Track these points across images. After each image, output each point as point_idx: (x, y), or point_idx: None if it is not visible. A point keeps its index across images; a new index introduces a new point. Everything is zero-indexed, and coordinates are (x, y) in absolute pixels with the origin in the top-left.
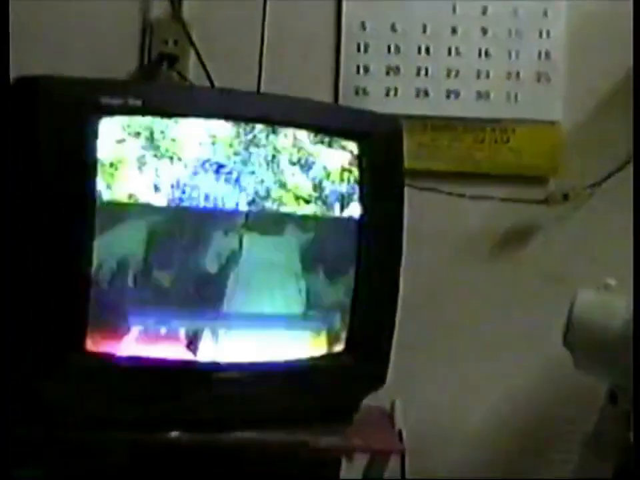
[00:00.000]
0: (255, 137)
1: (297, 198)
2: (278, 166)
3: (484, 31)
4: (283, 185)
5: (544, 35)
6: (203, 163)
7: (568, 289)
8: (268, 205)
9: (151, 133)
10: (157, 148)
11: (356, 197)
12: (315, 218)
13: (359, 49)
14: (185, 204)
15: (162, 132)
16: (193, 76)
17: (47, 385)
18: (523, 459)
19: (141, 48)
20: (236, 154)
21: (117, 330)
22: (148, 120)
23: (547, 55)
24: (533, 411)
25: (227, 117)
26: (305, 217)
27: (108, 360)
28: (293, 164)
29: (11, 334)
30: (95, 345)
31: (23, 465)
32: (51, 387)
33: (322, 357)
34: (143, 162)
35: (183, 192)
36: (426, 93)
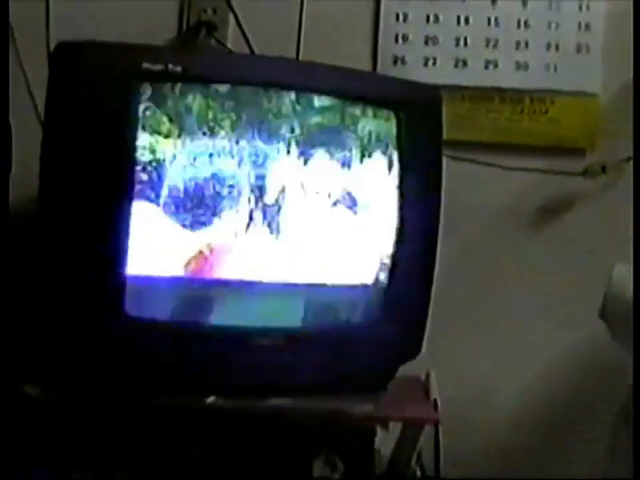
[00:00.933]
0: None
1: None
2: (320, 134)
3: (523, 2)
4: (325, 154)
5: (584, 6)
6: (244, 132)
7: (604, 261)
8: None
9: (193, 99)
10: (198, 114)
11: (395, 166)
12: None
13: (397, 18)
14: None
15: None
16: (231, 44)
17: (85, 352)
18: (556, 432)
19: (179, 16)
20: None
21: (155, 295)
22: (189, 87)
23: (587, 26)
24: (568, 384)
25: (266, 84)
26: None
27: (146, 325)
28: (336, 131)
29: (47, 302)
30: (134, 309)
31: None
32: (89, 354)
33: (358, 326)
34: (183, 128)
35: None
36: (464, 63)
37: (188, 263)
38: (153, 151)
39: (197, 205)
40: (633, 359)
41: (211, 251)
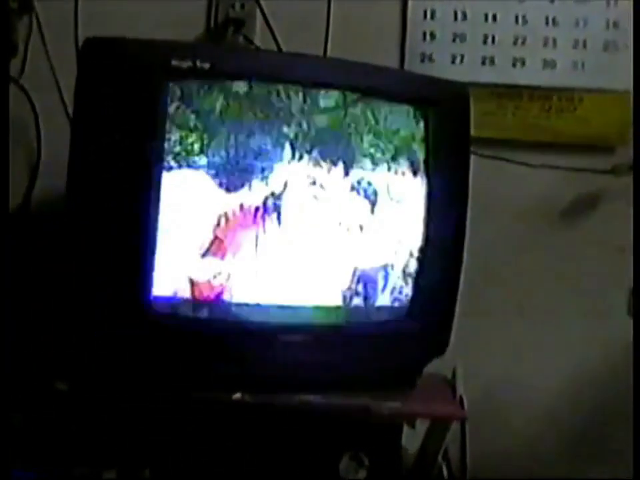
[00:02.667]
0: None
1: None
2: (346, 131)
3: None
4: (352, 150)
5: (612, 3)
6: (272, 128)
7: (631, 258)
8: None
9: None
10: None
11: (422, 163)
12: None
13: (425, 16)
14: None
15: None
16: (258, 40)
17: (113, 348)
18: (584, 430)
19: (207, 12)
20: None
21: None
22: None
23: (615, 24)
24: (596, 382)
25: (293, 82)
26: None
27: (174, 321)
28: (362, 128)
29: (75, 297)
30: (162, 306)
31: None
32: (118, 349)
33: (386, 323)
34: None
35: (245, 155)
36: (492, 61)
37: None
38: (181, 144)
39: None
40: (633, 359)
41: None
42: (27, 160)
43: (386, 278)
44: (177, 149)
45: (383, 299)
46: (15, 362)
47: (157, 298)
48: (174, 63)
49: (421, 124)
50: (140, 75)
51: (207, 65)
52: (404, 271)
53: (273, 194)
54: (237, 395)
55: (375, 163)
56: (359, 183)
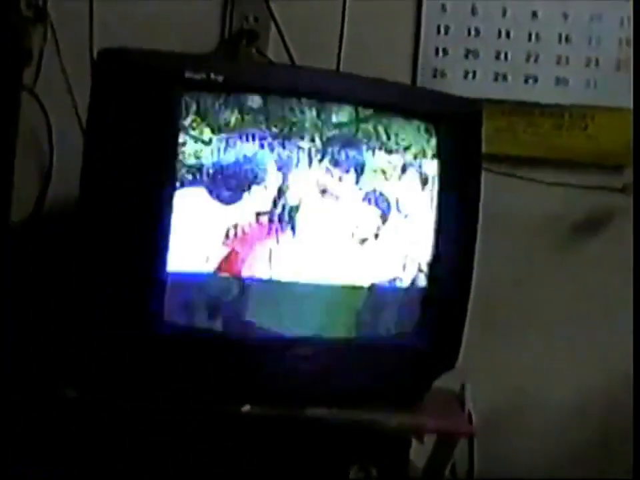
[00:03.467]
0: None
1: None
2: (359, 146)
3: (565, 16)
4: (364, 164)
5: (625, 22)
6: (284, 141)
7: None
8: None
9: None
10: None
11: (433, 179)
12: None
13: (438, 31)
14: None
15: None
16: (271, 53)
17: (123, 357)
18: (592, 448)
19: (221, 24)
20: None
21: (192, 301)
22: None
23: (628, 42)
24: (606, 397)
25: (306, 95)
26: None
27: (184, 331)
28: (374, 144)
29: (85, 303)
30: (171, 314)
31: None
32: (128, 358)
33: (395, 337)
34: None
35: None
36: (504, 77)
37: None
38: (196, 157)
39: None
40: (633, 359)
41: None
42: (39, 168)
43: (395, 292)
44: (191, 161)
45: (392, 314)
46: (21, 366)
47: (169, 304)
48: (187, 74)
49: (433, 140)
50: (153, 86)
51: (220, 78)
52: (413, 285)
53: (286, 206)
54: (246, 407)
55: (386, 178)
56: (371, 194)
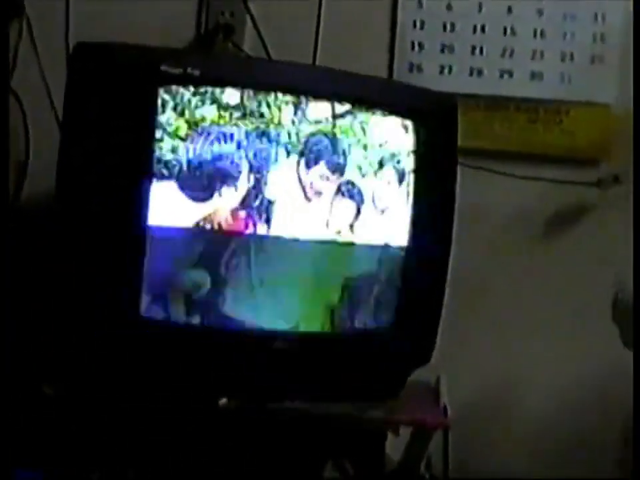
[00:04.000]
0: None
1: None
2: (335, 139)
3: (539, 12)
4: (340, 160)
5: (599, 18)
6: (260, 135)
7: (617, 270)
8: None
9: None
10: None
11: (409, 174)
12: None
13: (414, 26)
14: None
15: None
16: (247, 47)
17: (99, 352)
18: (566, 439)
19: (198, 18)
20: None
21: (169, 296)
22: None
23: (602, 37)
24: (579, 390)
25: (282, 89)
26: None
27: (160, 326)
28: (350, 140)
29: (61, 299)
30: (148, 310)
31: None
32: (102, 353)
33: (371, 331)
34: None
35: (232, 161)
36: (480, 72)
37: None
38: (173, 152)
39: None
40: (633, 359)
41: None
42: (15, 163)
43: (371, 286)
44: (168, 157)
45: (368, 308)
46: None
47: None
48: (164, 68)
49: (409, 134)
50: (129, 81)
51: (197, 72)
52: (389, 280)
53: (263, 201)
54: (223, 401)
55: (362, 174)
56: (346, 188)
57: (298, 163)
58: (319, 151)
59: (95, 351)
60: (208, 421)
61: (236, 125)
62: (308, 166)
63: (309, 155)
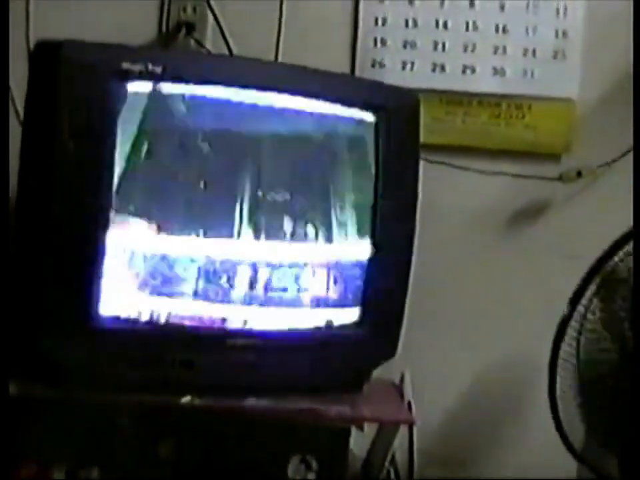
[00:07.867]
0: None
1: None
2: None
3: (502, 7)
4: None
5: (561, 12)
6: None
7: (580, 265)
8: None
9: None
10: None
11: (372, 168)
12: None
13: (376, 22)
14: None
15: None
16: (209, 44)
17: (59, 347)
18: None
19: (159, 15)
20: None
21: (132, 293)
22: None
23: (564, 33)
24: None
25: (244, 86)
26: None
27: (122, 323)
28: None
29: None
30: (110, 308)
31: (32, 427)
32: (64, 349)
33: (334, 328)
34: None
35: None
36: (442, 68)
37: None
38: (132, 151)
39: None
40: (633, 359)
41: None
42: None
43: (334, 282)
44: (129, 155)
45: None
46: None
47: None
48: (125, 65)
49: (371, 130)
50: (90, 78)
51: (158, 69)
52: (352, 275)
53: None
54: (186, 398)
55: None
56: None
57: (262, 157)
58: (282, 146)
59: (58, 349)
60: (171, 419)
61: (199, 123)
62: (269, 163)
63: (273, 149)
